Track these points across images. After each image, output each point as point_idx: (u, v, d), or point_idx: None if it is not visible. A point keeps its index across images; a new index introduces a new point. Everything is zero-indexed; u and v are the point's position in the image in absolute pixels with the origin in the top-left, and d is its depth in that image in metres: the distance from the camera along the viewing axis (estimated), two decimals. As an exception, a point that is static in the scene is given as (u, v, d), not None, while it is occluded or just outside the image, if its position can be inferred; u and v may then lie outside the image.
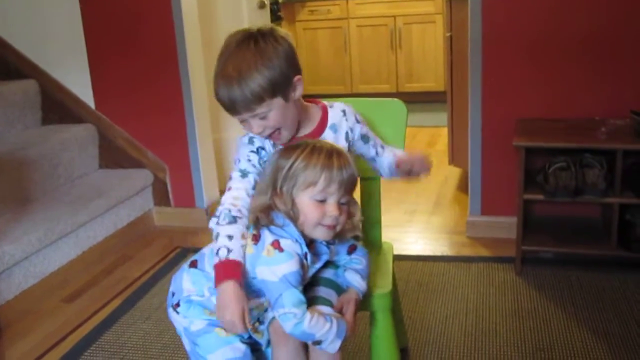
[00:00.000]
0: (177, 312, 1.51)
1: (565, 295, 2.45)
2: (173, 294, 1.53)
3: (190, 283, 1.50)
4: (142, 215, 3.39)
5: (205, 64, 3.39)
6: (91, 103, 3.45)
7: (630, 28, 2.65)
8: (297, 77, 1.50)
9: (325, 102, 1.67)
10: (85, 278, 2.87)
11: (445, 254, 2.90)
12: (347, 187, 1.41)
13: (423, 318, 2.35)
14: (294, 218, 1.40)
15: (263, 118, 1.48)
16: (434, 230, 3.18)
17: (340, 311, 1.48)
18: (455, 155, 3.68)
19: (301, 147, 1.41)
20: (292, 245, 1.38)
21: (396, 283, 2.02)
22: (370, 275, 1.62)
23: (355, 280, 1.54)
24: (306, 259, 1.42)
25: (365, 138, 1.68)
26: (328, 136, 1.61)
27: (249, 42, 1.45)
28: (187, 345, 1.53)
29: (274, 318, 1.46)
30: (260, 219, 1.42)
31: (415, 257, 2.87)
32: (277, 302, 1.36)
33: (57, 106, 3.48)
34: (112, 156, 3.47)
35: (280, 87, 1.46)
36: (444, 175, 3.91)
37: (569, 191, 2.43)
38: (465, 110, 3.03)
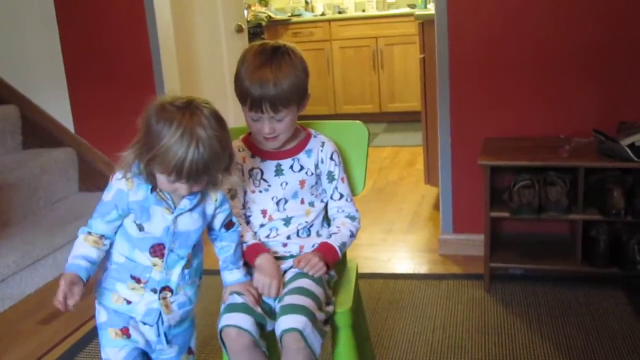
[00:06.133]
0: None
1: (532, 311, 2.50)
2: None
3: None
4: (121, 237, 3.42)
5: (182, 88, 3.45)
6: (71, 127, 3.51)
7: (593, 50, 2.72)
8: (308, 94, 1.70)
9: (313, 131, 1.80)
10: (62, 300, 2.90)
11: (417, 272, 2.95)
12: (201, 178, 1.42)
13: (391, 336, 2.39)
14: (151, 181, 1.47)
15: (279, 121, 1.63)
16: (408, 249, 3.23)
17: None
18: (431, 175, 3.73)
19: (177, 120, 1.37)
20: (122, 182, 1.48)
21: (361, 301, 2.06)
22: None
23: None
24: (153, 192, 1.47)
25: (330, 177, 1.79)
26: (302, 158, 1.74)
27: (282, 53, 1.64)
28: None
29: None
30: (127, 167, 1.47)
31: (388, 275, 2.91)
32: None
33: (37, 131, 3.54)
34: (92, 179, 3.52)
35: (301, 97, 1.67)
36: (421, 194, 3.97)
37: (533, 209, 2.49)
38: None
